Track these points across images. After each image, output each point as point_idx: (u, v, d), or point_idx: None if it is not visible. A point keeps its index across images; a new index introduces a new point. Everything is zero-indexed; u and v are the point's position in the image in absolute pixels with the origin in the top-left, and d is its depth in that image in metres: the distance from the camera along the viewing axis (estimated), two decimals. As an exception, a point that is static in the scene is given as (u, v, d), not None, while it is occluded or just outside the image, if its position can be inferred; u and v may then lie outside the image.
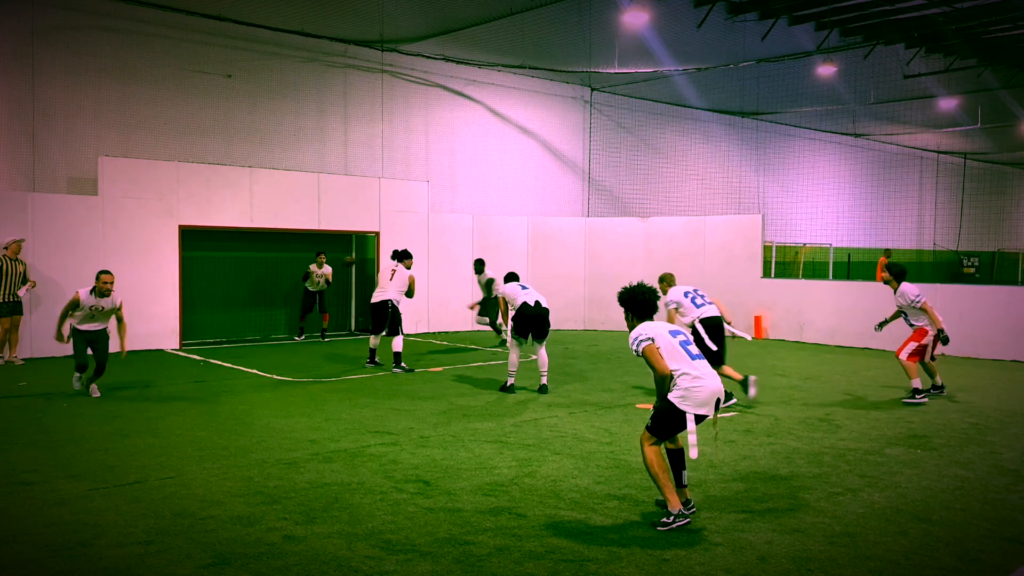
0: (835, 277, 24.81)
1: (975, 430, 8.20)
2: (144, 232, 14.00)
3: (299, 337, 16.00)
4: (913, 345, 9.90)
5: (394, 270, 12.18)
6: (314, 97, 17.21)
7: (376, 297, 12.20)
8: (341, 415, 8.65)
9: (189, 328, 14.78)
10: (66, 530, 5.07)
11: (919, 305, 9.78)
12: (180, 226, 14.36)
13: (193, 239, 14.75)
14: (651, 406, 9.16)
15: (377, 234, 16.71)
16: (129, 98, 15.03)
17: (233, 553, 4.69)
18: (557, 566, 4.54)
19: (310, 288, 15.88)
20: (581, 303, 18.74)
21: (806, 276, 23.88)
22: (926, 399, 9.73)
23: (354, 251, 17.67)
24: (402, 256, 12.34)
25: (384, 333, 12.20)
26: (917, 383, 9.75)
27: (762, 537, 5.02)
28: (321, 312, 16.13)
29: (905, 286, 9.94)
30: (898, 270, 10.08)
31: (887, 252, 24.39)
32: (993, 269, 33.43)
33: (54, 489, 5.92)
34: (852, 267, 26.74)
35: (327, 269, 15.99)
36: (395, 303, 12.08)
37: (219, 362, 12.56)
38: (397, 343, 11.99)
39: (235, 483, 6.07)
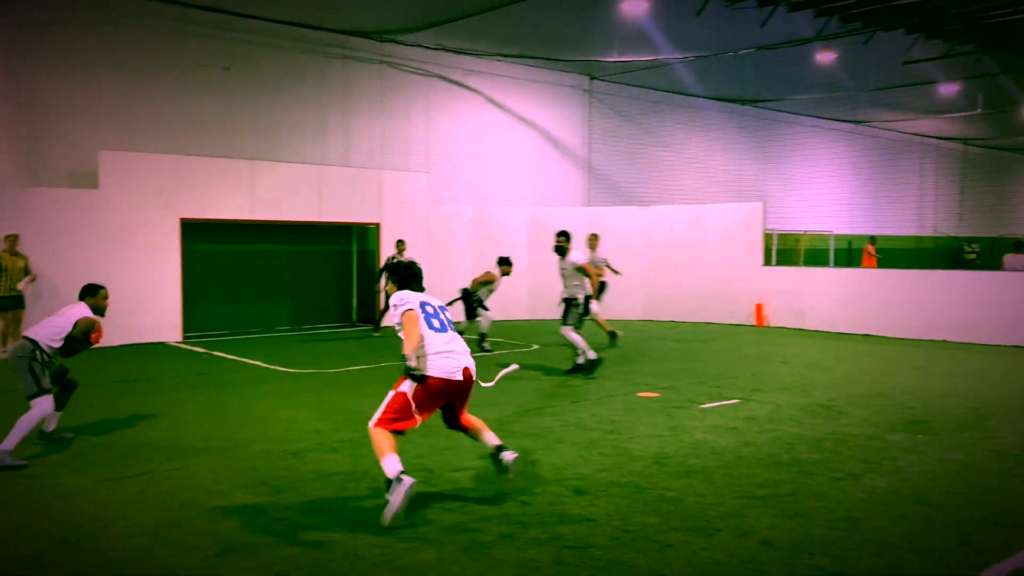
0: (836, 264, 24.83)
1: (975, 415, 8.24)
2: (145, 225, 14.02)
3: (377, 332, 15.72)
4: None
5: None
6: (313, 89, 17.19)
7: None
8: (345, 406, 8.69)
9: (191, 321, 14.81)
10: (73, 522, 5.11)
11: None
12: (181, 219, 14.38)
13: (194, 232, 14.77)
14: (655, 395, 9.22)
15: (378, 225, 16.73)
16: (129, 91, 15.02)
17: (240, 543, 4.73)
18: (561, 552, 4.59)
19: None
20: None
21: (807, 263, 23.89)
22: None
23: (355, 243, 17.68)
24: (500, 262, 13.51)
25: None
26: None
27: (764, 522, 5.06)
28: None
29: None
30: None
31: (872, 240, 24.42)
32: (993, 254, 33.41)
33: (61, 482, 5.97)
34: (853, 254, 26.74)
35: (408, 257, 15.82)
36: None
37: (222, 354, 12.59)
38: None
39: (240, 474, 6.11)
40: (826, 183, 27.35)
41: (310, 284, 16.72)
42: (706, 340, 14.75)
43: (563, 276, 10.84)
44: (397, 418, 5.31)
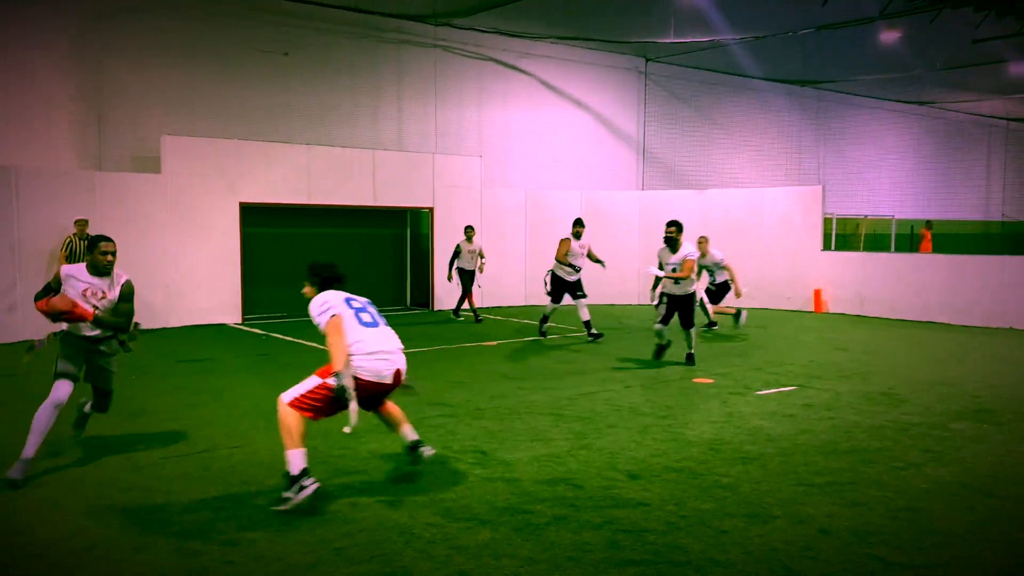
0: (897, 250, 24.21)
1: (1045, 405, 7.98)
2: (206, 209, 14.32)
3: (458, 316, 15.52)
4: None
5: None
6: (368, 73, 17.32)
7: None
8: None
9: (250, 303, 15.11)
10: (140, 495, 5.28)
11: None
12: (240, 203, 14.65)
13: (253, 216, 15.03)
14: (710, 380, 9.14)
15: (431, 210, 16.82)
16: (191, 77, 15.33)
17: (300, 520, 4.83)
18: (615, 536, 4.58)
19: (462, 267, 15.14)
20: (635, 278, 18.63)
21: (867, 249, 23.33)
22: None
23: (408, 227, 17.80)
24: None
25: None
26: None
27: (822, 510, 4.99)
28: (467, 293, 15.28)
29: None
30: None
31: (928, 224, 23.75)
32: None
33: (129, 456, 6.16)
34: (915, 239, 26.03)
35: (478, 244, 15.34)
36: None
37: (281, 336, 12.84)
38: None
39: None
40: (888, 166, 26.65)
41: (365, 268, 16.90)
42: (763, 326, 14.54)
43: (674, 271, 10.14)
44: (313, 408, 5.09)
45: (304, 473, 4.96)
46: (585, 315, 12.50)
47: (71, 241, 12.41)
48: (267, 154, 14.97)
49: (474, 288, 15.35)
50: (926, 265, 15.77)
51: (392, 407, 5.68)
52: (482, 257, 15.32)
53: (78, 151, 14.37)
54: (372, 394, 5.35)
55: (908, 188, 27.88)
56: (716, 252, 13.71)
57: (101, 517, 4.89)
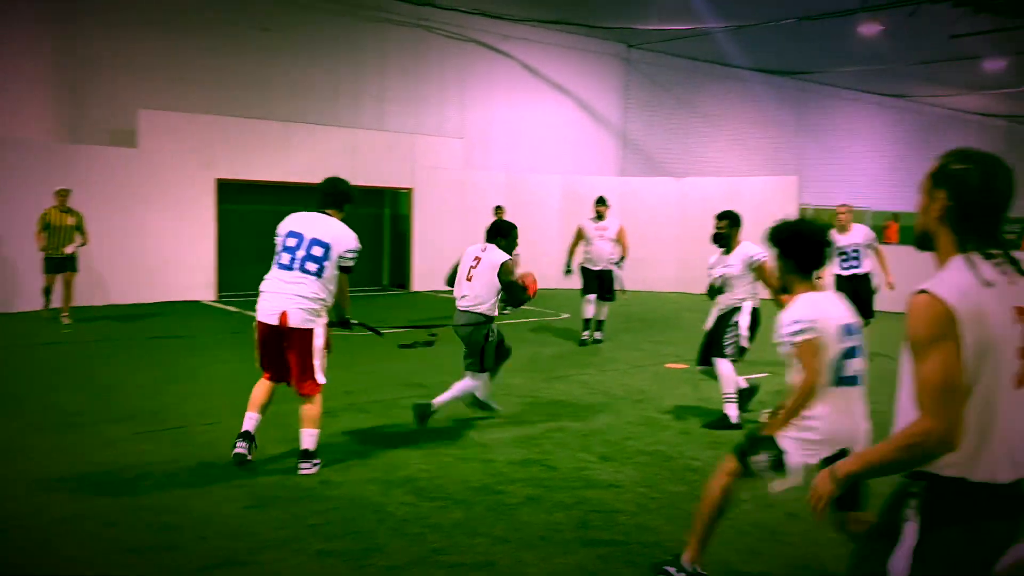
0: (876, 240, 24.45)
1: None
2: (182, 185, 14.19)
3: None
4: None
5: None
6: (349, 52, 17.17)
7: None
8: (376, 368, 8.80)
9: (225, 280, 15.01)
10: (113, 470, 5.27)
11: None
12: (217, 179, 14.53)
13: (230, 192, 14.91)
14: (684, 366, 9.22)
15: (411, 190, 16.77)
16: (168, 51, 15.10)
17: (273, 496, 4.85)
18: (587, 516, 4.65)
19: None
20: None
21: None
22: None
23: (387, 207, 17.75)
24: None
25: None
26: None
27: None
28: None
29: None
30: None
31: (895, 216, 24.05)
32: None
33: (101, 432, 6.13)
34: (880, 232, 26.31)
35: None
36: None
37: (255, 314, 12.75)
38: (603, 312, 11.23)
39: (274, 431, 6.21)
40: (865, 158, 26.88)
41: (342, 247, 16.83)
42: (737, 314, 14.66)
43: (723, 278, 6.97)
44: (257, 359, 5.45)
45: (238, 437, 5.35)
46: (601, 314, 10.98)
47: (47, 214, 11.33)
48: (245, 130, 14.84)
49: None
50: (901, 256, 15.94)
51: (304, 408, 5.36)
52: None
53: (52, 123, 14.15)
54: (266, 341, 5.33)
55: (885, 180, 28.17)
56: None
57: (73, 492, 4.88)
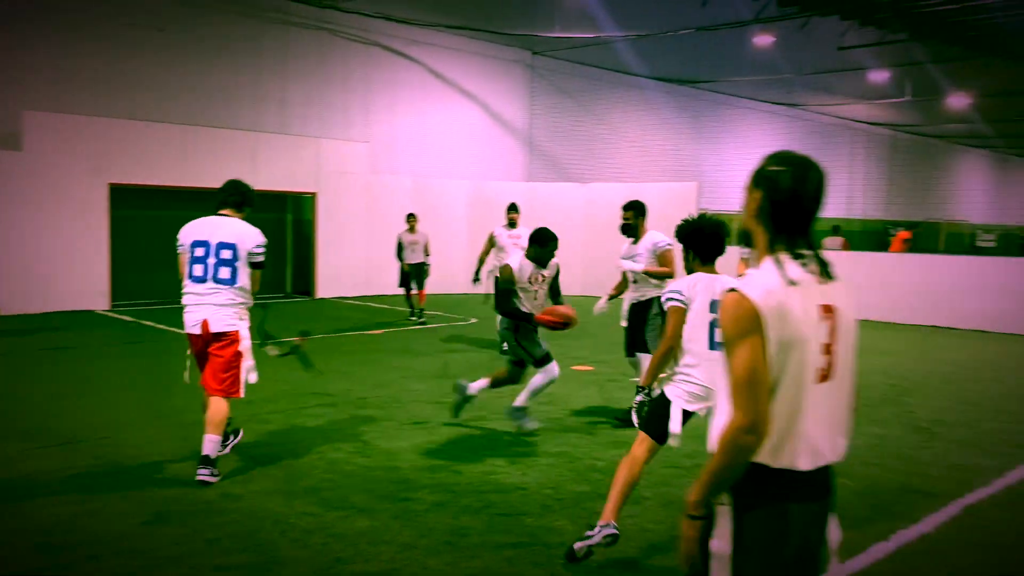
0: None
1: (894, 391, 8.59)
2: (72, 190, 13.57)
3: (411, 319, 13.31)
4: None
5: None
6: (250, 54, 16.77)
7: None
8: (278, 377, 8.60)
9: (120, 289, 14.44)
10: (0, 489, 5.01)
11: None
12: (110, 184, 13.97)
13: (125, 198, 14.35)
14: (590, 368, 9.36)
15: (314, 195, 16.51)
16: (56, 50, 14.42)
17: (170, 511, 4.70)
18: (493, 520, 4.67)
19: (405, 262, 13.18)
20: (520, 267, 18.86)
21: (740, 244, 24.35)
22: None
23: (290, 212, 17.43)
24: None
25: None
26: None
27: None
28: (417, 288, 13.25)
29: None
30: None
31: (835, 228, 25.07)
32: (917, 237, 34.61)
33: (-18, 450, 5.82)
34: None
35: (422, 235, 13.22)
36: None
37: (152, 324, 12.33)
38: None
39: (171, 443, 6.04)
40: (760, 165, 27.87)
41: (245, 254, 16.43)
42: (641, 316, 14.99)
43: (635, 274, 7.10)
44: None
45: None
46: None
47: None
48: (140, 133, 14.32)
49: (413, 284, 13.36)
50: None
51: (211, 413, 5.31)
52: (427, 254, 13.20)
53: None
54: (198, 350, 5.45)
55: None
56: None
57: (-49, 513, 4.61)
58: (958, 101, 31.09)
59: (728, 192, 25.80)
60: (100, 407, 7.14)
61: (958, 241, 35.99)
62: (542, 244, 6.42)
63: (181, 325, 5.49)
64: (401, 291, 13.68)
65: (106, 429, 6.39)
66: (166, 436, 6.22)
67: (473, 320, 13.75)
